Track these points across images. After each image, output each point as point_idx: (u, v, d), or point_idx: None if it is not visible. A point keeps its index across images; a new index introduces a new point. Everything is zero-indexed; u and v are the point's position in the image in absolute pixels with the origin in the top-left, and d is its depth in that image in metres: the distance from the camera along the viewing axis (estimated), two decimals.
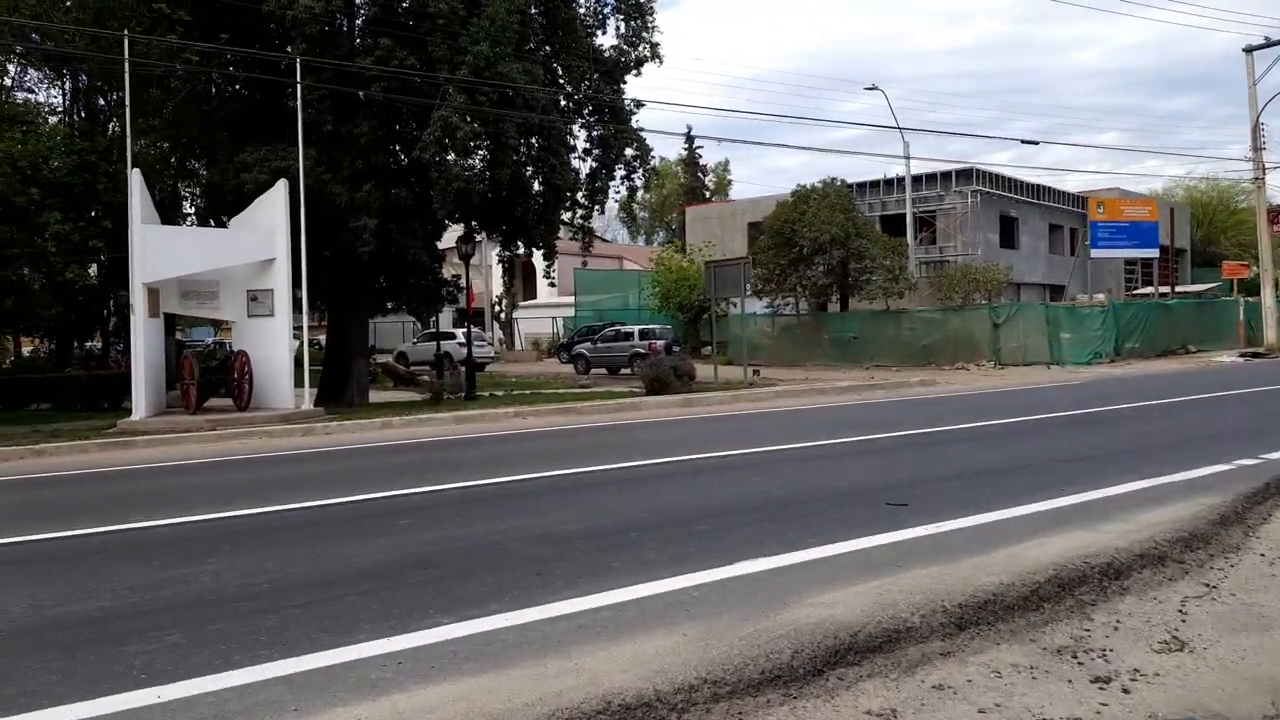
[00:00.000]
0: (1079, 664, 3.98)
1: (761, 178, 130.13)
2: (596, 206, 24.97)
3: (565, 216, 24.22)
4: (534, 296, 58.07)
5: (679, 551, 5.78)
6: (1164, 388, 19.50)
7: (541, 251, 23.91)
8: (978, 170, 42.92)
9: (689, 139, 74.99)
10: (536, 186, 22.57)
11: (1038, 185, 47.66)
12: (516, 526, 6.73)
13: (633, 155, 24.05)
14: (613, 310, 46.89)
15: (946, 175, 42.85)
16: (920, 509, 6.97)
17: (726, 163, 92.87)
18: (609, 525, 6.67)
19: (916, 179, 41.01)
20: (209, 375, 17.37)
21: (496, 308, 55.61)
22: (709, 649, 4.03)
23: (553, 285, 26.56)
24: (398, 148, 21.26)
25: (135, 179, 16.33)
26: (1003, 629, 4.37)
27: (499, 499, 8.09)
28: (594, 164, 23.74)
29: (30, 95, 27.43)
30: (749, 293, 25.02)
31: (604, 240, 27.72)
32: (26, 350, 40.91)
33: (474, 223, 23.36)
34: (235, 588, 5.28)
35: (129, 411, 16.61)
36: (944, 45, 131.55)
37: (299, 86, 17.64)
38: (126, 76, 16.47)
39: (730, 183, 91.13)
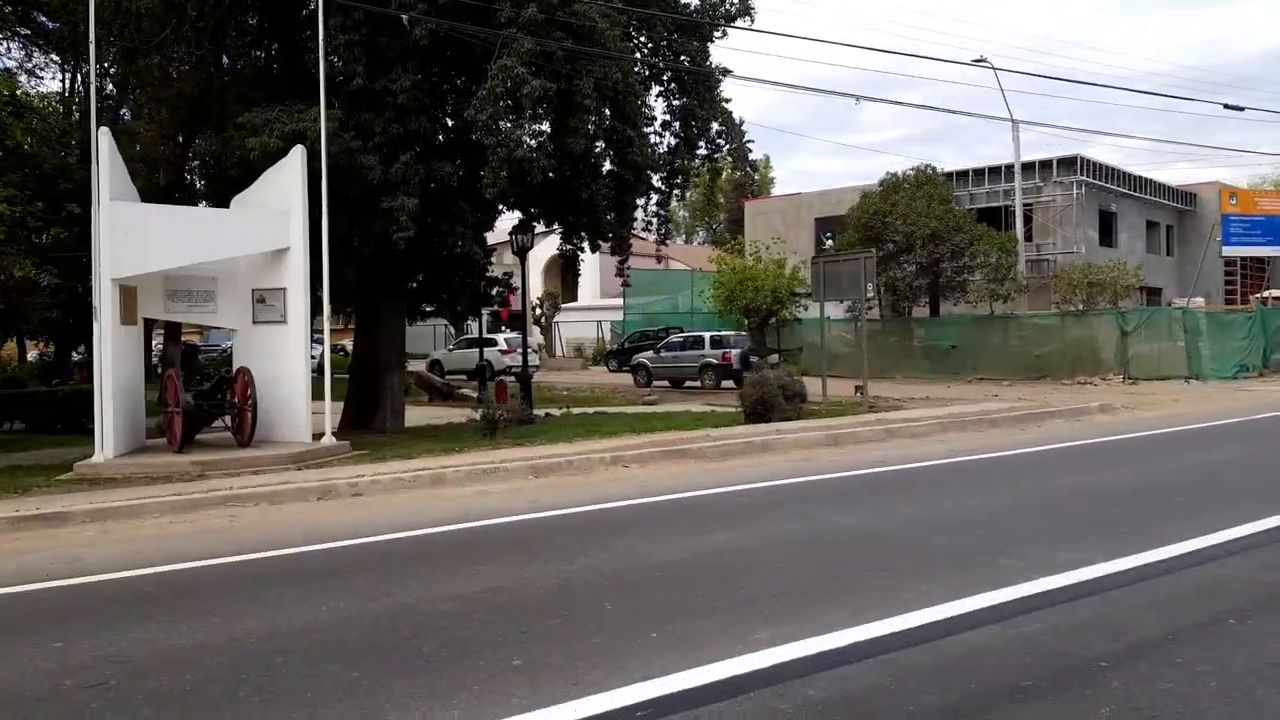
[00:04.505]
0: None
1: (798, 180, 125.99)
2: (675, 191, 20.78)
3: (639, 202, 19.98)
4: (574, 299, 53.71)
5: None
6: None
7: (610, 244, 19.62)
8: (1083, 159, 38.20)
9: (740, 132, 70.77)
10: (608, 166, 18.32)
11: (1139, 177, 42.90)
12: None
13: (718, 130, 19.84)
14: (662, 314, 42.75)
15: (1046, 164, 38.15)
16: None
17: (768, 159, 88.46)
18: None
19: (1014, 168, 36.38)
20: (200, 400, 13.13)
21: (537, 311, 51.28)
22: None
23: (627, 285, 22.37)
24: (443, 114, 17.10)
25: (104, 140, 12.17)
26: None
27: None
28: (674, 139, 19.49)
29: (37, 79, 23.71)
30: (871, 294, 20.55)
31: (642, 239, 23.57)
32: (32, 355, 37.13)
33: (532, 209, 19.15)
34: None
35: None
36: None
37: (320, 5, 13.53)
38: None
39: (773, 180, 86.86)
